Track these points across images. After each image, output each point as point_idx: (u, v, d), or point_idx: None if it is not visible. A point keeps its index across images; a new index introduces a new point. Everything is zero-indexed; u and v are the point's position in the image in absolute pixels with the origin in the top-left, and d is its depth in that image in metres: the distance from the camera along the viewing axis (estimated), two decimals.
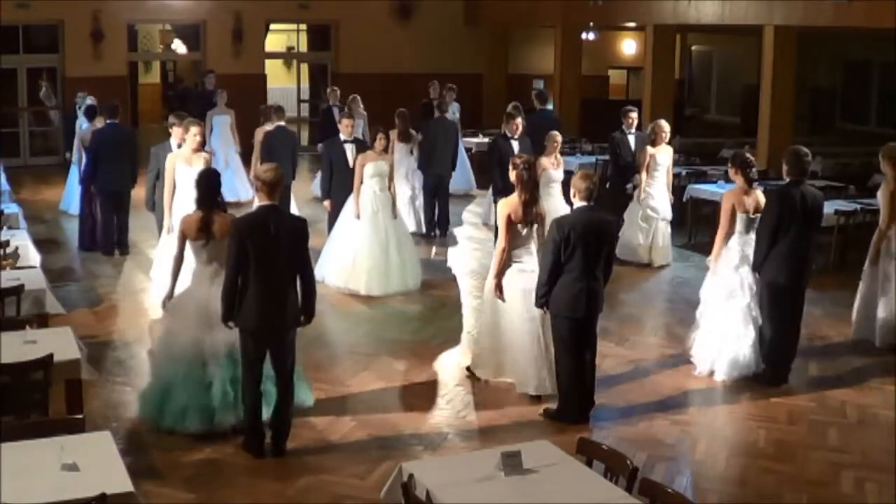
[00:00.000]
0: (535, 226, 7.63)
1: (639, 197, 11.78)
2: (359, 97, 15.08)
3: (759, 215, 8.10)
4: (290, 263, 6.43)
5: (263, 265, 6.32)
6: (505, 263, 7.61)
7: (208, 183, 6.98)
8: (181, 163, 9.77)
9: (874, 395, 7.98)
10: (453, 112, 15.50)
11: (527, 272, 7.58)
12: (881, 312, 8.95)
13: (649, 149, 11.68)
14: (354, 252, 10.38)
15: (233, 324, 6.48)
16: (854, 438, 7.15)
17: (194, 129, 9.93)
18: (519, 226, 7.59)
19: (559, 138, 11.71)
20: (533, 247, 7.68)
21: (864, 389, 8.09)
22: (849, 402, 7.81)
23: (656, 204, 11.81)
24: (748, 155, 8.41)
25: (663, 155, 11.75)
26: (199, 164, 9.46)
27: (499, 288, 7.64)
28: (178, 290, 7.16)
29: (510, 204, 7.58)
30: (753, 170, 8.21)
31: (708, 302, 8.28)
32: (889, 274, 8.92)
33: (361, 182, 10.39)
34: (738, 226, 8.17)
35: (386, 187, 10.51)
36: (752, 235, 8.13)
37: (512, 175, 7.65)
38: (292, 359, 6.63)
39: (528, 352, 7.63)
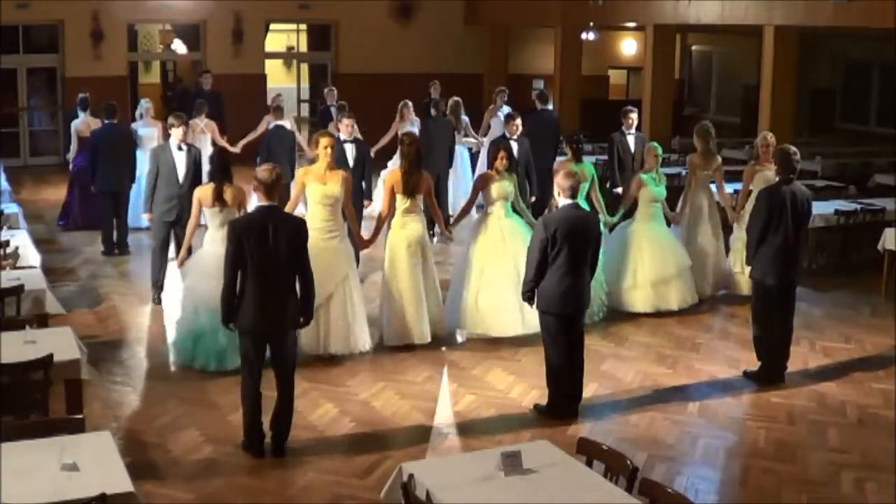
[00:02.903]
0: (419, 196, 8.69)
1: (737, 219, 10.33)
2: (410, 103, 14.47)
3: (586, 184, 9.41)
4: (288, 264, 6.42)
5: (262, 266, 6.31)
6: (393, 230, 8.67)
7: (220, 159, 8.52)
8: (313, 181, 8.39)
9: (874, 395, 7.98)
10: (501, 116, 15.32)
11: (413, 233, 8.65)
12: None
13: (754, 165, 10.19)
14: (477, 289, 9.01)
15: (233, 325, 6.49)
16: (854, 438, 7.15)
17: (325, 141, 8.40)
18: (400, 196, 8.61)
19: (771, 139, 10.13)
20: (420, 216, 8.73)
21: (864, 389, 8.09)
22: (849, 402, 7.81)
23: None
24: (580, 134, 10.12)
25: (769, 172, 9.55)
26: (334, 183, 8.35)
27: (369, 244, 8.93)
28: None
29: (393, 176, 8.71)
30: (582, 145, 9.80)
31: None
32: (698, 232, 10.45)
33: (472, 204, 9.51)
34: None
35: (512, 211, 9.18)
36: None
37: (399, 150, 8.76)
38: (292, 359, 6.63)
39: (413, 302, 8.60)
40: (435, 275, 8.99)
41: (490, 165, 9.30)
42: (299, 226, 6.55)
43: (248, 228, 6.37)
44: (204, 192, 8.31)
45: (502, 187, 9.05)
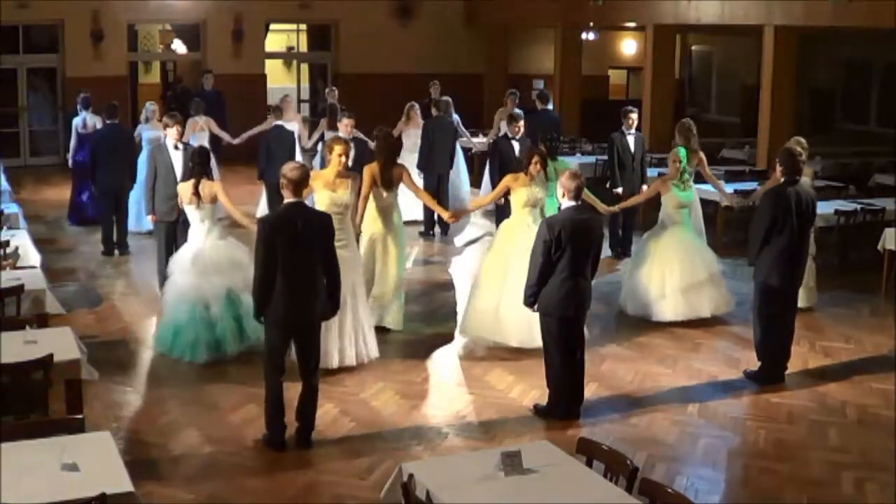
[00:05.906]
0: (396, 189, 9.00)
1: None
2: (417, 105, 14.56)
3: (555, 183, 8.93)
4: (316, 258, 6.54)
5: (291, 260, 6.42)
6: (367, 222, 8.91)
7: (200, 156, 8.60)
8: (322, 187, 8.14)
9: (874, 395, 7.98)
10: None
11: (386, 226, 8.96)
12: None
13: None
14: (498, 296, 8.62)
15: (263, 318, 6.58)
16: (854, 438, 7.15)
17: (339, 149, 8.09)
18: (377, 189, 8.84)
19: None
20: (397, 207, 9.07)
21: (864, 389, 8.09)
22: (849, 402, 7.81)
23: None
24: (553, 133, 10.37)
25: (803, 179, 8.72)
26: (343, 190, 8.14)
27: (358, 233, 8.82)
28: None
29: (372, 169, 8.90)
30: (557, 144, 10.19)
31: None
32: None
33: (493, 200, 9.50)
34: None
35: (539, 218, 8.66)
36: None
37: (373, 144, 9.08)
38: (317, 352, 6.73)
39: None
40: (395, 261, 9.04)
41: (523, 168, 8.78)
42: (326, 221, 6.71)
43: (278, 224, 6.49)
44: (184, 189, 8.54)
45: (533, 193, 8.71)
